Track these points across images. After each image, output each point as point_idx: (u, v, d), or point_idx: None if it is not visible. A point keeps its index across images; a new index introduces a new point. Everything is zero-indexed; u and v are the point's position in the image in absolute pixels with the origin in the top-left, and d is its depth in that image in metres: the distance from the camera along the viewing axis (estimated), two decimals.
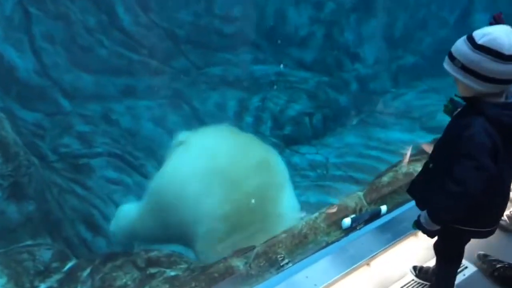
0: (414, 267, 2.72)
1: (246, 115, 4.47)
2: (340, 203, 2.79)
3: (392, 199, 2.91)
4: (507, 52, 1.73)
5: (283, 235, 2.56)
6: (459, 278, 2.66)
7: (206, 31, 5.15)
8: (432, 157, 2.17)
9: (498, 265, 2.67)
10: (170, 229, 3.02)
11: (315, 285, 2.43)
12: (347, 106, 4.05)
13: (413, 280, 2.66)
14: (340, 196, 3.12)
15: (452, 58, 1.84)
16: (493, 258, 2.72)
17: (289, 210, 2.81)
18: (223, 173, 2.84)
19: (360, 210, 2.76)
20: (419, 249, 2.85)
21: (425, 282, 2.63)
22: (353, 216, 2.71)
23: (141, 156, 4.50)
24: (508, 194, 2.11)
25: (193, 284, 2.47)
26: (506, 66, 1.75)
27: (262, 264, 2.52)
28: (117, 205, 3.77)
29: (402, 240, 2.83)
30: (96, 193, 3.82)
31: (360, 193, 2.86)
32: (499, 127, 1.85)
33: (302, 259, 2.57)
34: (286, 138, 4.52)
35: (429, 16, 4.16)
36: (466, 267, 2.76)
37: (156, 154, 4.57)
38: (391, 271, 2.70)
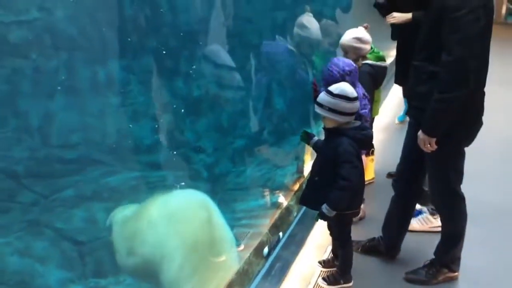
0: (319, 262, 3.80)
1: None
2: (259, 240, 3.68)
3: (283, 227, 3.94)
4: (351, 96, 3.08)
5: (235, 277, 3.23)
6: None
7: (46, 162, 5.32)
8: (316, 172, 3.28)
9: (360, 243, 3.94)
10: None
11: None
12: (206, 191, 4.86)
13: (321, 271, 3.71)
14: None
15: (321, 105, 3.08)
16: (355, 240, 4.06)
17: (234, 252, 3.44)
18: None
19: (270, 240, 3.64)
20: (314, 251, 3.95)
21: (331, 269, 3.70)
22: (268, 245, 3.58)
23: None
24: (364, 183, 3.36)
25: None
26: (352, 104, 3.09)
27: None
28: None
29: (301, 250, 3.88)
30: None
31: (266, 231, 3.81)
32: (355, 141, 3.10)
33: None
34: None
35: (245, 107, 5.52)
36: None
37: (31, 285, 4.49)
38: (305, 273, 3.67)
